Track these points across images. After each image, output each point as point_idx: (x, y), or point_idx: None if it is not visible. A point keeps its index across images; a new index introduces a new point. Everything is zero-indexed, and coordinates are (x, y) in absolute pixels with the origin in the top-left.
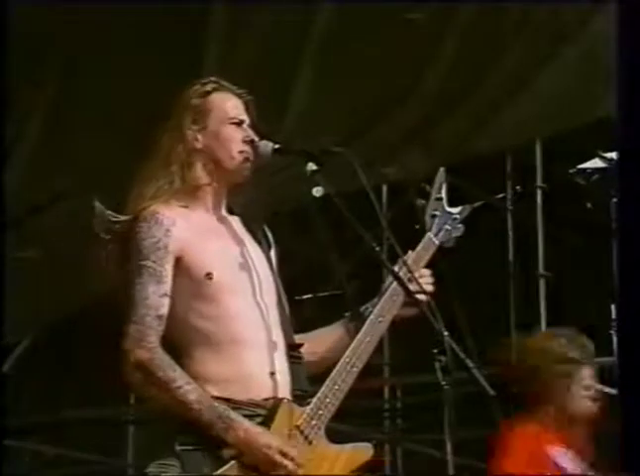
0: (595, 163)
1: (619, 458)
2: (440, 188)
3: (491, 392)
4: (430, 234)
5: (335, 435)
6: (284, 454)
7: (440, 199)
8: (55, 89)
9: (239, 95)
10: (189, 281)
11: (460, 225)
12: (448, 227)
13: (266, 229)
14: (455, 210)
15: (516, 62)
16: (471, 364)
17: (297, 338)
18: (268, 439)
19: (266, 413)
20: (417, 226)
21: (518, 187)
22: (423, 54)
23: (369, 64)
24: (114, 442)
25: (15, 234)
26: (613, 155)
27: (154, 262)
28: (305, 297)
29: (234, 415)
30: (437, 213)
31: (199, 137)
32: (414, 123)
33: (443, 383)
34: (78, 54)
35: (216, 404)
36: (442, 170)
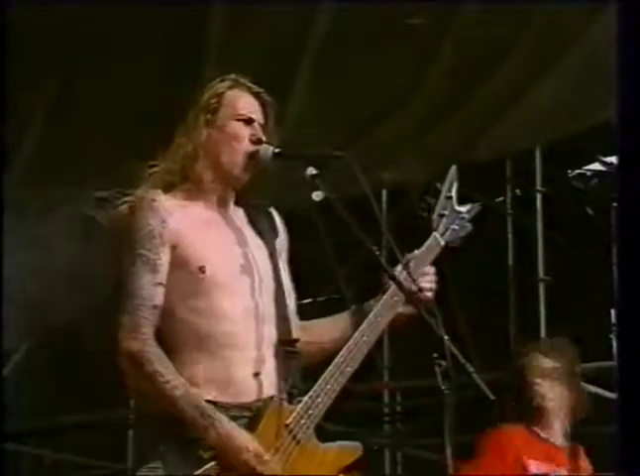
0: (595, 167)
1: (617, 463)
2: (450, 187)
3: (492, 396)
4: (436, 234)
5: (334, 438)
6: (260, 458)
7: (450, 198)
8: (56, 91)
9: (257, 94)
10: (182, 273)
11: (468, 224)
12: (455, 227)
13: (276, 216)
14: (463, 209)
15: (516, 68)
16: (471, 368)
17: (300, 325)
18: (246, 442)
19: (251, 414)
20: (421, 217)
21: (518, 191)
22: (422, 58)
23: (368, 68)
24: (114, 446)
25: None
26: (613, 159)
27: (148, 250)
28: (305, 301)
29: (217, 414)
30: (445, 213)
31: (205, 130)
32: (412, 128)
33: (443, 387)
34: (78, 54)
35: (200, 402)
36: (454, 168)
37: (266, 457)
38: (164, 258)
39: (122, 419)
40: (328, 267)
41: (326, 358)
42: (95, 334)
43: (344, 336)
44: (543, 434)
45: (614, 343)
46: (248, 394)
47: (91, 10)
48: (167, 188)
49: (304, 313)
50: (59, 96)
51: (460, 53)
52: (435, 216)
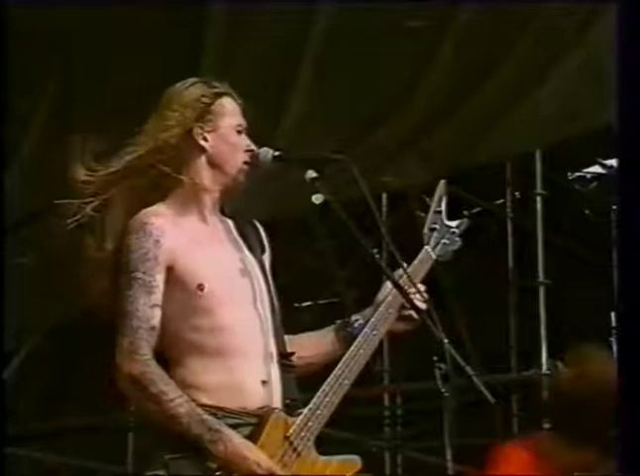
0: (595, 169)
1: (618, 465)
2: (440, 201)
3: (492, 399)
4: (428, 248)
5: (335, 442)
6: (271, 472)
7: (439, 212)
8: (56, 92)
9: (240, 106)
10: (181, 292)
11: (457, 239)
12: (446, 241)
13: (261, 230)
14: (453, 224)
15: (516, 70)
16: (471, 371)
17: (286, 340)
18: (256, 455)
19: (257, 421)
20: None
21: (518, 194)
22: (422, 60)
23: (367, 71)
24: (114, 449)
25: (14, 240)
26: (613, 162)
27: (143, 273)
28: (305, 304)
29: (224, 428)
30: (436, 227)
31: (208, 137)
32: (412, 131)
33: (443, 390)
34: (78, 55)
35: (206, 416)
36: (442, 182)
37: (278, 471)
38: (160, 279)
39: (122, 423)
40: (328, 270)
41: (310, 372)
42: (95, 336)
43: (329, 351)
44: None
45: (614, 346)
46: (255, 401)
47: (91, 11)
48: (157, 196)
49: (305, 317)
50: (59, 97)
51: (459, 55)
52: (426, 230)
